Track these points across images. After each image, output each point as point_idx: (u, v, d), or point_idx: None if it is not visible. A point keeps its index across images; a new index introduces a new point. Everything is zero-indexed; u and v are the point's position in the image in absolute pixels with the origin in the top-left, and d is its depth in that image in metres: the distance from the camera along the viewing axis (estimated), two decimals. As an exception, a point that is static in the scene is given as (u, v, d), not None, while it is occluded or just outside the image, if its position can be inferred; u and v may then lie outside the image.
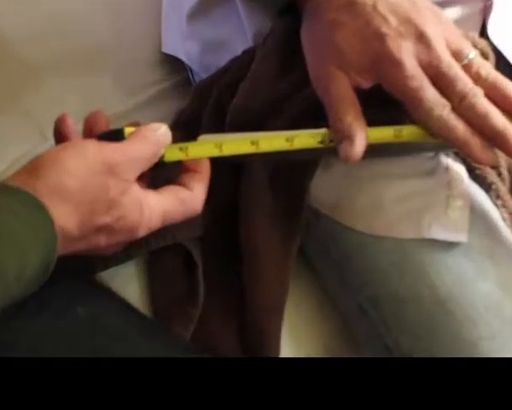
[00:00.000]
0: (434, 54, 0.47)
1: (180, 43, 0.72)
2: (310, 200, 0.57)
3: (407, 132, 0.49)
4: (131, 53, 0.78)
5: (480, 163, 0.50)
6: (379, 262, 0.54)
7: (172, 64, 0.77)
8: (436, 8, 0.51)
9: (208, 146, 0.49)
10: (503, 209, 0.55)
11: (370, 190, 0.55)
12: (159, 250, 0.57)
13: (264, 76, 0.54)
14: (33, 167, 0.41)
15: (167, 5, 0.75)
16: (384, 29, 0.47)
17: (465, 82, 0.47)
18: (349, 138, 0.47)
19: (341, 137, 0.47)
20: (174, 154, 0.49)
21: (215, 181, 0.52)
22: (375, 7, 0.48)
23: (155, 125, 0.48)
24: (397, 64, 0.46)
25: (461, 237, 0.52)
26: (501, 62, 0.56)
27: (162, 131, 0.48)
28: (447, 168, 0.55)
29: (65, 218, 0.41)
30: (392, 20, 0.47)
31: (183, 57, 0.73)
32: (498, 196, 0.55)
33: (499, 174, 0.56)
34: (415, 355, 0.51)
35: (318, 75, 0.50)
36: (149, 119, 0.70)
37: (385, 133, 0.49)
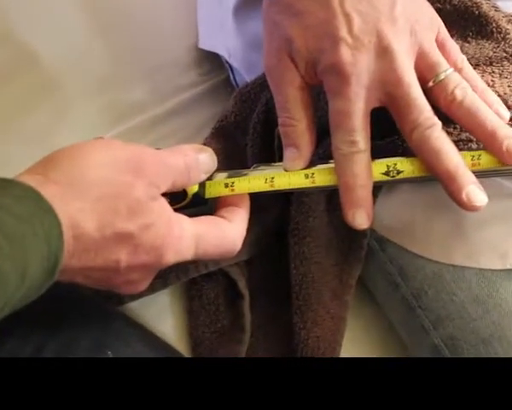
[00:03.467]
0: (395, 72, 0.42)
1: (220, 39, 0.66)
2: (373, 224, 0.50)
3: (485, 160, 0.43)
4: (162, 53, 0.71)
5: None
6: (458, 296, 0.48)
7: (209, 64, 0.71)
8: (424, 10, 0.44)
9: (257, 181, 0.44)
10: None
11: (448, 213, 0.48)
12: (198, 279, 0.53)
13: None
14: (50, 159, 0.38)
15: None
16: (342, 33, 0.41)
17: (421, 109, 0.42)
18: (297, 147, 0.44)
19: (288, 143, 0.45)
20: (217, 190, 0.44)
21: (261, 200, 0.47)
22: (342, 1, 0.41)
23: (199, 147, 0.43)
24: (343, 79, 0.41)
25: None
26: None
27: (205, 156, 0.43)
28: None
29: (81, 214, 0.36)
30: (356, 24, 0.41)
31: (224, 54, 0.66)
32: None
33: None
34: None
35: (271, 65, 0.45)
36: (186, 125, 0.67)
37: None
